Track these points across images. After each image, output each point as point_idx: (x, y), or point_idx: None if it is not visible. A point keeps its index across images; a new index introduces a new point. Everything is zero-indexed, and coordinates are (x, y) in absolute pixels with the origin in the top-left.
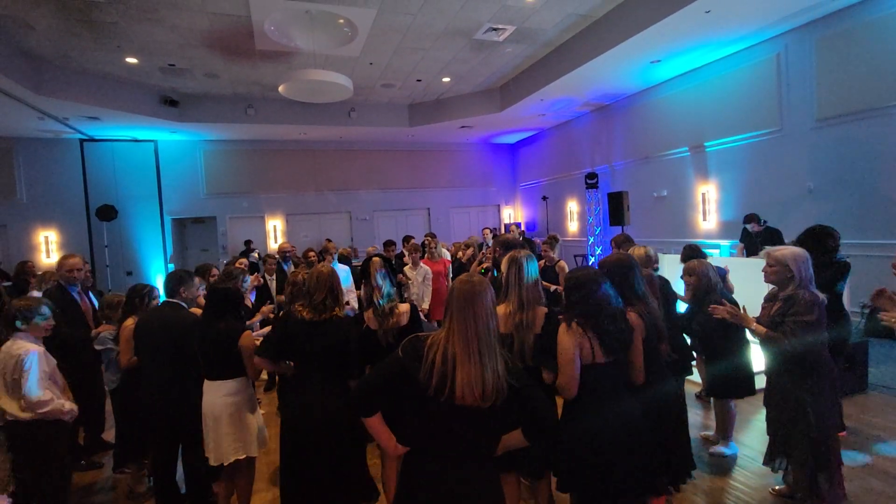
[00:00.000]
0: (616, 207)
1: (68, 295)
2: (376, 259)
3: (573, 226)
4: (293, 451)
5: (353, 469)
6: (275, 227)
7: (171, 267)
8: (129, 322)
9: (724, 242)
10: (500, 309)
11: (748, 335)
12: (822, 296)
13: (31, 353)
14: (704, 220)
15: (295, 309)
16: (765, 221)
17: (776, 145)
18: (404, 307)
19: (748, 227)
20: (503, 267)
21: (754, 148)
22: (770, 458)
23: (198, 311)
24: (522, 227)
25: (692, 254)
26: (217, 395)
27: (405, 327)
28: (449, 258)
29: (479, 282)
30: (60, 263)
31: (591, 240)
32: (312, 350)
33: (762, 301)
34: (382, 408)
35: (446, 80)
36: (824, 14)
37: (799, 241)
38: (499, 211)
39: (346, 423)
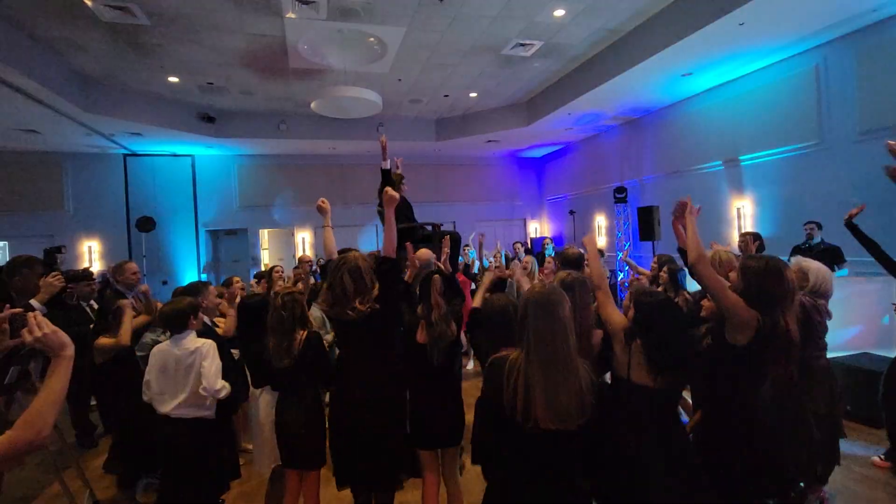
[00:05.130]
0: (646, 222)
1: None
2: (437, 277)
3: (601, 241)
4: (338, 431)
5: (392, 447)
6: (303, 239)
7: (205, 277)
8: (105, 340)
9: None
10: None
11: None
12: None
13: (208, 344)
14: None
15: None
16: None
17: (816, 159)
18: (452, 327)
19: (805, 228)
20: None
21: (793, 162)
22: None
23: (220, 320)
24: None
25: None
26: (264, 403)
27: (453, 341)
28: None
29: (553, 290)
30: (122, 268)
31: (620, 255)
32: (360, 340)
33: None
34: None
35: (473, 95)
36: (865, 25)
37: None
38: (525, 225)
39: (385, 405)
